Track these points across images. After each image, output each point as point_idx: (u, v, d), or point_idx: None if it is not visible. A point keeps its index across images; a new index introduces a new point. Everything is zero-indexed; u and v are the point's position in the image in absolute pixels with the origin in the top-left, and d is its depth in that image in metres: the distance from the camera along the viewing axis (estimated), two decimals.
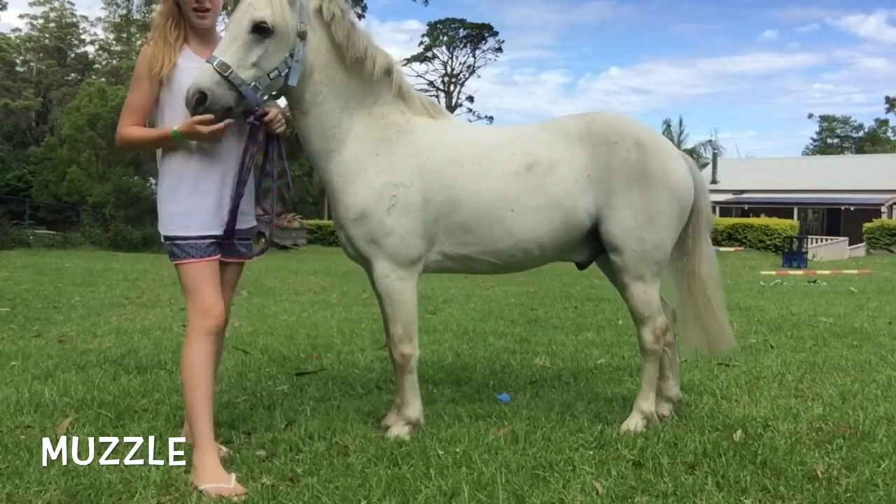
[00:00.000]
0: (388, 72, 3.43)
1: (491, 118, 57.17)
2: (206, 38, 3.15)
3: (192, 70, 2.99)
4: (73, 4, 51.55)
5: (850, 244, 31.94)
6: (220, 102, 2.93)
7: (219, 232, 3.05)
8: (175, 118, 2.99)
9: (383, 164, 3.35)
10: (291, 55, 3.13)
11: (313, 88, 3.29)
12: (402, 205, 3.32)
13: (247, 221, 3.20)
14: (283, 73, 3.13)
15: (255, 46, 3.00)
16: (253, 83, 3.01)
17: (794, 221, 32.87)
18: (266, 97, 3.25)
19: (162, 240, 3.08)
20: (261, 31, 2.99)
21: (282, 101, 3.48)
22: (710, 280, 3.79)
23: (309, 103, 3.31)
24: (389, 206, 3.32)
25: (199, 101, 2.90)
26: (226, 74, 2.92)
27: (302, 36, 3.16)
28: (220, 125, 2.92)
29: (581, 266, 3.85)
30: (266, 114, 3.12)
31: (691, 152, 41.98)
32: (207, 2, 3.03)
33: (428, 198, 3.36)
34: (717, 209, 37.69)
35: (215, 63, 2.92)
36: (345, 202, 3.37)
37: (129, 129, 3.06)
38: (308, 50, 3.20)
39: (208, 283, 2.99)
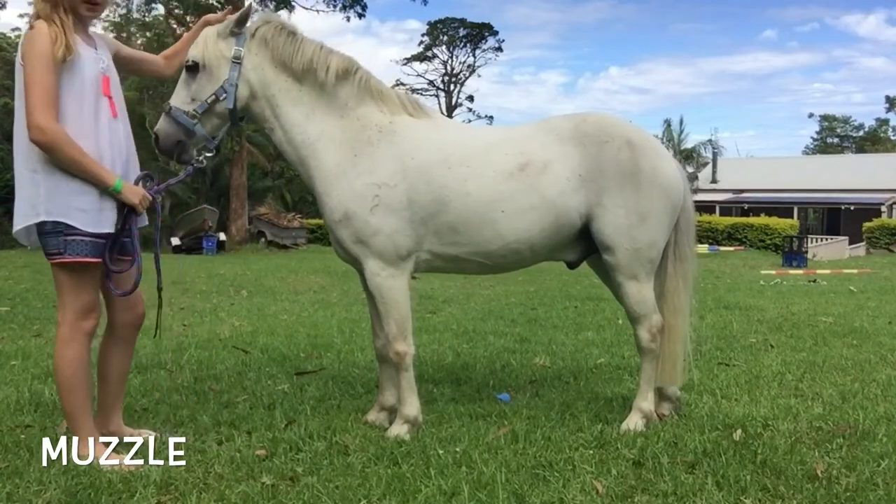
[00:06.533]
0: (347, 74, 3.46)
1: (491, 118, 57.12)
2: (86, 29, 3.09)
3: (91, 58, 2.97)
4: None
5: (850, 244, 31.91)
6: (171, 139, 3.34)
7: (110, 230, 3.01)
8: (70, 107, 2.87)
9: (364, 165, 3.37)
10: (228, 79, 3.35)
11: (269, 103, 3.45)
12: (386, 204, 3.34)
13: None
14: (220, 98, 3.33)
15: (191, 82, 3.35)
16: (189, 110, 3.32)
17: (794, 221, 32.82)
18: (218, 127, 3.41)
19: (33, 235, 2.93)
20: (190, 69, 3.34)
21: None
22: (678, 309, 3.73)
23: (270, 118, 3.48)
24: (373, 206, 3.33)
25: (155, 142, 3.37)
26: (167, 111, 3.34)
27: (237, 60, 3.33)
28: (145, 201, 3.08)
29: (571, 265, 3.83)
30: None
31: (691, 152, 41.81)
32: None
33: (413, 198, 3.36)
34: (718, 209, 37.68)
35: (165, 107, 3.37)
36: (328, 205, 3.42)
37: (66, 136, 2.80)
38: (248, 70, 3.37)
39: (94, 283, 3.08)
